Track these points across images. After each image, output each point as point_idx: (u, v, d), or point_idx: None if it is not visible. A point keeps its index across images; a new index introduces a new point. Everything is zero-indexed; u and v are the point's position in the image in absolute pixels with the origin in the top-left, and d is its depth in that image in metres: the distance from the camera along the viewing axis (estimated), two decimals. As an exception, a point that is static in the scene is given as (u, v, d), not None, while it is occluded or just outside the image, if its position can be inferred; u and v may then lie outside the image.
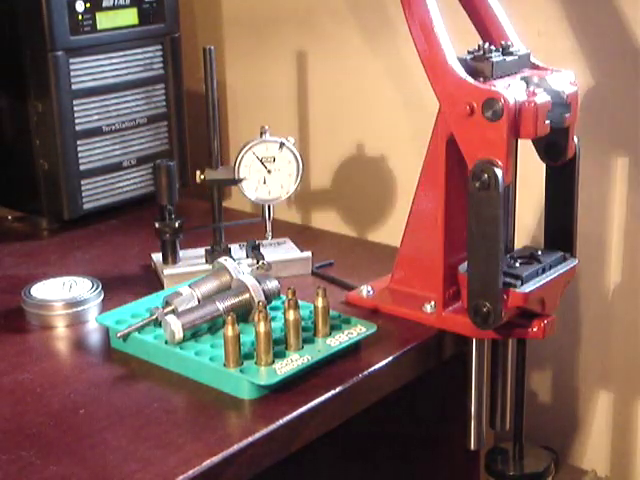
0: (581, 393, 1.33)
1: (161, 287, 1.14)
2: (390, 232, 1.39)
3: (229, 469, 0.82)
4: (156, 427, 0.85)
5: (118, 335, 0.98)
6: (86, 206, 1.36)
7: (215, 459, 0.80)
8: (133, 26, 1.36)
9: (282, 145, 1.17)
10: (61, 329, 1.06)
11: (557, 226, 1.05)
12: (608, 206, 1.24)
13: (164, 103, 1.42)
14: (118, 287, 1.14)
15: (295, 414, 0.87)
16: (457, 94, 0.93)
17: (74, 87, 1.31)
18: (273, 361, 0.92)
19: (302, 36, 1.47)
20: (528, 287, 0.96)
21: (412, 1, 0.95)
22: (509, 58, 0.97)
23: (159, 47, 1.40)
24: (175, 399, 0.92)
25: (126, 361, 0.98)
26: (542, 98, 0.93)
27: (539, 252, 1.01)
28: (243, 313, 1.00)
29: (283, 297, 1.00)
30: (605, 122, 1.21)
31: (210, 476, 0.80)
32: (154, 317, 0.98)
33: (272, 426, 0.85)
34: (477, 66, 0.95)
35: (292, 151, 1.17)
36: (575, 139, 1.00)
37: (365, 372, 0.95)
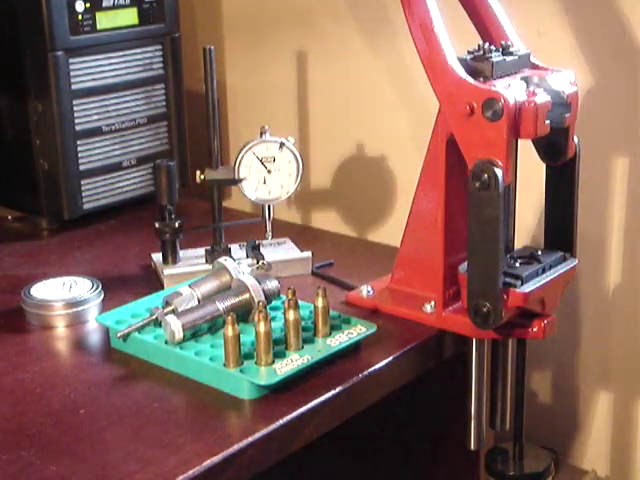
0: (581, 393, 1.33)
1: (161, 287, 1.14)
2: (390, 232, 1.39)
3: (229, 469, 0.82)
4: (156, 427, 0.85)
5: (118, 335, 0.98)
6: (86, 206, 1.36)
7: (215, 459, 0.80)
8: (133, 26, 1.36)
9: (282, 145, 1.17)
10: (61, 329, 1.06)
11: (557, 226, 1.05)
12: (608, 206, 1.24)
13: (164, 103, 1.42)
14: (118, 287, 1.14)
15: (295, 414, 0.87)
16: (457, 94, 0.93)
17: (74, 87, 1.31)
18: (273, 361, 0.92)
19: (302, 36, 1.47)
20: (528, 287, 0.96)
21: (412, 1, 0.95)
22: (509, 58, 0.97)
23: (159, 47, 1.40)
24: (175, 399, 0.92)
25: (126, 361, 0.97)
26: (542, 98, 0.93)
27: (539, 252, 1.01)
28: (243, 313, 1.00)
29: (283, 297, 1.00)
30: (605, 122, 1.21)
31: (210, 476, 0.80)
32: (154, 317, 0.98)
33: (272, 426, 0.85)
34: (477, 66, 0.95)
35: (292, 151, 1.17)
36: (575, 139, 1.00)
37: (365, 372, 0.95)
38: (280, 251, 1.22)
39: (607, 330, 1.28)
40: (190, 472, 0.79)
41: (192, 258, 1.19)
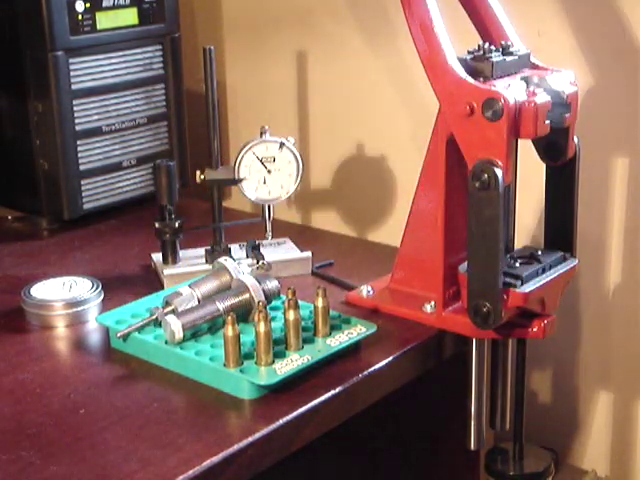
0: (581, 393, 1.33)
1: (161, 287, 1.14)
2: (390, 232, 1.39)
3: (229, 469, 0.82)
4: (156, 427, 0.85)
5: (118, 335, 0.98)
6: (86, 206, 1.36)
7: (215, 459, 0.80)
8: (133, 26, 1.36)
9: (282, 145, 1.17)
10: (61, 329, 1.06)
11: (557, 226, 1.05)
12: (608, 206, 1.24)
13: (164, 103, 1.42)
14: (118, 287, 1.14)
15: (295, 414, 0.87)
16: (457, 94, 0.93)
17: (74, 87, 1.31)
18: (273, 361, 0.91)
19: (302, 36, 1.47)
20: (528, 287, 0.96)
21: (412, 1, 0.95)
22: (509, 58, 0.97)
23: (159, 47, 1.40)
24: (175, 399, 0.92)
25: (126, 361, 0.97)
26: (542, 98, 0.93)
27: (539, 252, 1.01)
28: (243, 313, 1.00)
29: (283, 297, 1.00)
30: (605, 122, 1.21)
31: (210, 476, 0.80)
32: (154, 317, 0.98)
33: (272, 426, 0.85)
34: (477, 66, 0.95)
35: (292, 151, 1.17)
36: (575, 139, 1.00)
37: (365, 372, 0.95)
38: (280, 251, 1.22)
39: (607, 330, 1.28)
40: (190, 472, 0.79)
41: (192, 258, 1.19)
